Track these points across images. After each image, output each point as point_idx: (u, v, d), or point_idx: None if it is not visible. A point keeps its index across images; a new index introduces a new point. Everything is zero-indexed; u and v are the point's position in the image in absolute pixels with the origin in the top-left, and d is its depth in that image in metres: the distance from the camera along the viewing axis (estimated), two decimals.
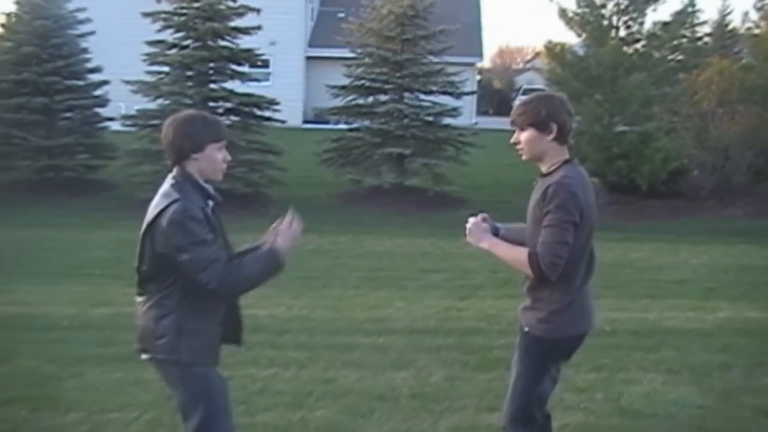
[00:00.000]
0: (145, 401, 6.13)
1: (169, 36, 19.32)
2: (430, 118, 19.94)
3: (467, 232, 4.39)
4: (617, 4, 20.18)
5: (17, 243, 14.06)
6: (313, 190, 19.47)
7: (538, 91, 4.68)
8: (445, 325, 8.99)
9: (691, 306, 10.07)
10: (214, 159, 4.08)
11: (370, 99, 20.37)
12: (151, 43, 19.27)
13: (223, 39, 19.16)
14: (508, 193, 20.03)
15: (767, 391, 6.59)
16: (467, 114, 27.36)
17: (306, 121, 32.80)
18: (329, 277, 11.65)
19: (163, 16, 19.07)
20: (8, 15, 21.75)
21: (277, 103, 19.16)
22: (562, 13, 20.33)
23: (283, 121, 19.70)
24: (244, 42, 19.38)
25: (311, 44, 36.34)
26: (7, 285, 10.56)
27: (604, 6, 20.22)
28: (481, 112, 44.28)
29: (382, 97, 20.21)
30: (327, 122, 24.33)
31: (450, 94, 20.56)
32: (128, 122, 19.38)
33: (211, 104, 19.04)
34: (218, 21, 18.86)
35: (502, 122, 37.64)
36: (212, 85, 19.12)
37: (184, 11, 18.94)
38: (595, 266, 4.35)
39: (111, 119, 20.74)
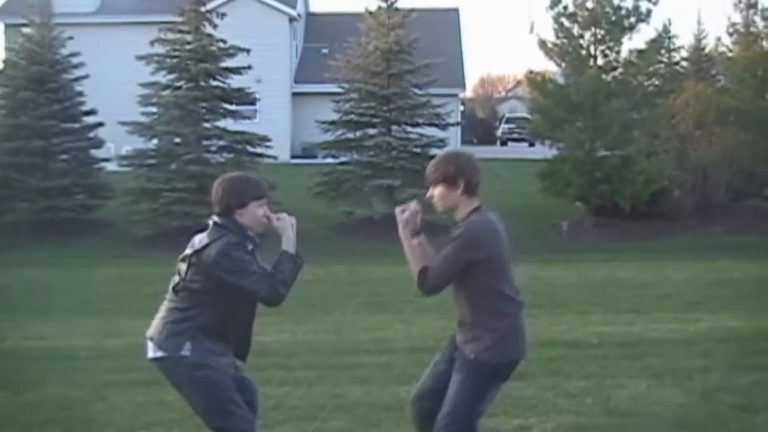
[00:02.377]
0: (169, 419, 6.57)
1: (162, 77, 19.86)
2: (418, 150, 20.50)
3: (403, 212, 4.81)
4: (594, 35, 20.78)
5: (25, 282, 14.51)
6: (307, 222, 19.82)
7: (448, 150, 5.34)
8: (442, 344, 9.37)
9: (674, 318, 10.59)
10: (255, 214, 4.74)
11: (359, 133, 20.91)
12: (145, 85, 19.80)
13: (214, 79, 19.72)
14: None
15: (743, 390, 7.09)
16: (453, 144, 27.88)
17: (294, 156, 33.27)
18: (329, 304, 12.12)
19: (156, 58, 19.62)
20: (4, 61, 22.24)
21: (269, 140, 19.74)
22: (542, 44, 20.94)
23: (275, 157, 20.25)
24: (234, 81, 19.96)
25: (297, 80, 36.87)
26: (21, 321, 10.99)
27: (581, 36, 20.83)
28: (466, 141, 44.86)
29: (371, 131, 20.77)
30: (315, 156, 24.88)
31: (436, 125, 21.14)
32: (124, 162, 19.89)
33: (205, 142, 19.61)
34: (210, 62, 19.43)
35: (487, 151, 38.33)
36: (205, 124, 19.67)
37: (177, 53, 19.52)
38: (522, 296, 4.88)
39: (106, 160, 21.24)
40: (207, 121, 19.80)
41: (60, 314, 11.74)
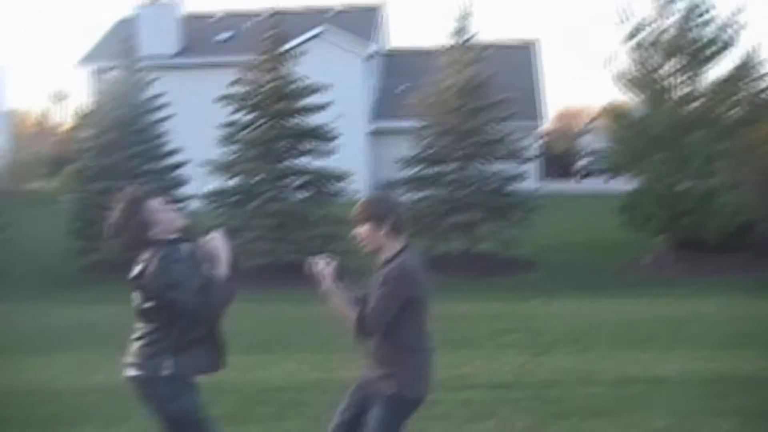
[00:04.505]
0: None
1: (242, 117, 20.19)
2: (496, 185, 20.45)
3: (318, 268, 4.89)
4: (674, 66, 20.51)
5: (116, 317, 14.76)
6: None
7: (374, 192, 5.47)
8: (522, 380, 9.41)
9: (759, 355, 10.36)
10: (163, 213, 4.91)
11: (437, 169, 20.94)
12: (225, 125, 20.15)
13: (293, 117, 19.98)
14: (576, 254, 20.43)
15: None
16: (531, 179, 27.83)
17: None
18: None
19: (237, 98, 19.98)
20: (92, 104, 22.82)
21: (348, 177, 19.87)
22: (620, 76, 20.76)
23: (357, 192, 20.34)
24: (312, 119, 20.20)
25: (375, 117, 37.21)
26: (111, 356, 11.19)
27: (660, 68, 20.58)
28: (545, 176, 44.63)
29: (448, 167, 20.78)
30: None
31: (514, 160, 21.08)
32: (207, 200, 20.23)
33: (285, 180, 19.84)
34: (288, 101, 19.71)
35: (566, 185, 38.03)
36: (285, 162, 19.91)
37: (256, 93, 19.84)
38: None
39: (191, 198, 21.62)
40: (286, 159, 20.04)
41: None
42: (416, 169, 21.06)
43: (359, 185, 29.36)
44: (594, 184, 39.05)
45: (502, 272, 19.02)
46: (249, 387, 9.47)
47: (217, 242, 4.89)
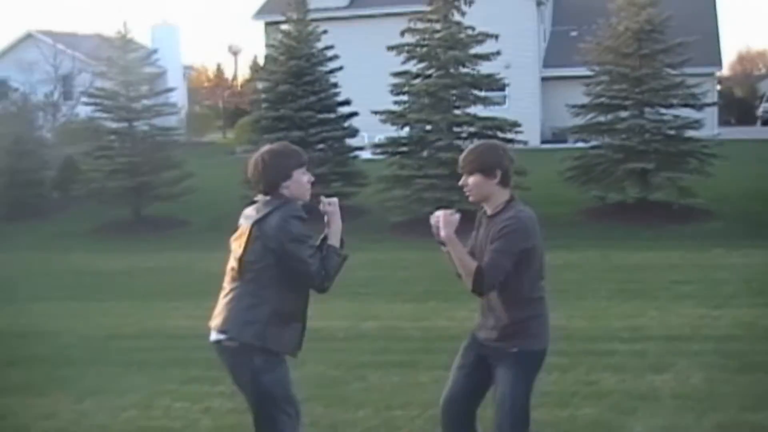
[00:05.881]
0: (424, 400, 6.74)
1: (412, 66, 20.25)
2: (672, 132, 19.83)
3: (438, 218, 4.74)
4: None
5: None
6: (558, 207, 19.76)
7: (483, 141, 5.14)
8: (700, 332, 9.19)
9: None
10: (301, 182, 4.77)
11: (610, 116, 20.47)
12: (396, 75, 20.27)
13: (464, 66, 19.90)
14: (756, 203, 19.62)
15: None
16: (709, 125, 26.83)
17: (544, 141, 33.10)
18: (581, 290, 11.97)
19: (407, 48, 20.03)
20: (265, 57, 23.38)
21: (519, 125, 19.68)
22: None
23: (525, 142, 20.18)
24: (483, 67, 20.06)
25: (545, 65, 36.64)
26: None
27: None
28: (724, 122, 42.98)
29: (622, 114, 20.27)
30: (565, 141, 24.56)
31: (691, 106, 20.35)
32: (378, 150, 20.47)
33: (456, 129, 19.84)
34: (459, 49, 19.62)
35: (746, 132, 36.60)
36: (456, 111, 19.89)
37: (426, 43, 19.84)
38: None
39: (360, 148, 21.92)
40: (457, 108, 20.01)
41: (319, 296, 12.20)
42: (589, 116, 20.64)
43: (533, 134, 29.18)
44: None
45: (679, 221, 18.48)
46: (425, 333, 9.62)
47: (333, 209, 4.82)
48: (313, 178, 4.84)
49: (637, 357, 8.18)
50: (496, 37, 19.79)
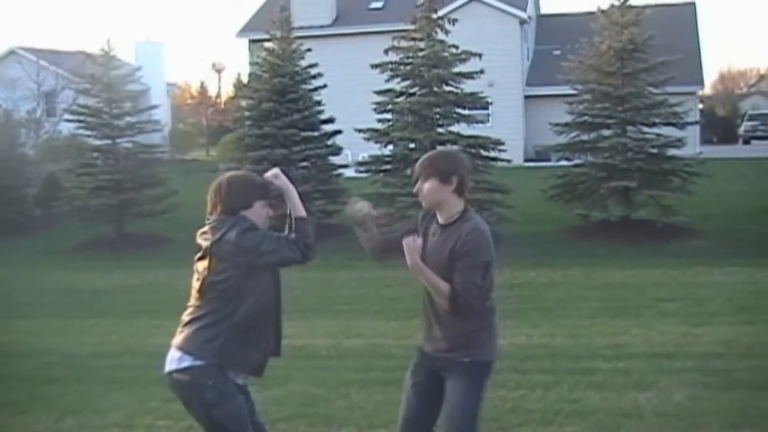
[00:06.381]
0: None
1: (396, 85, 20.28)
2: (655, 150, 19.89)
3: (407, 245, 4.63)
4: None
5: None
6: (542, 225, 19.83)
7: (442, 148, 5.12)
8: (683, 350, 9.21)
9: None
10: (260, 214, 4.69)
11: (593, 134, 20.54)
12: (380, 93, 20.30)
13: (447, 84, 19.94)
14: (739, 221, 19.74)
15: None
16: (692, 144, 27.03)
17: (528, 159, 33.22)
18: (565, 308, 12.01)
19: (390, 66, 20.06)
20: (249, 75, 23.38)
21: (502, 143, 19.70)
22: None
23: (508, 161, 20.22)
24: (466, 86, 20.11)
25: (529, 83, 36.79)
26: None
27: None
28: (706, 141, 43.25)
29: (605, 132, 20.34)
30: (549, 159, 24.68)
31: (673, 125, 20.46)
32: (361, 168, 20.46)
33: (439, 147, 19.85)
34: (443, 68, 19.65)
35: (728, 150, 36.84)
36: (439, 129, 19.91)
37: (410, 61, 19.87)
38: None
39: (344, 166, 21.92)
40: (441, 126, 20.02)
41: (302, 314, 12.18)
42: (572, 135, 20.71)
43: (516, 152, 29.25)
44: (759, 149, 37.61)
45: (663, 239, 18.54)
46: (409, 351, 9.58)
47: (280, 180, 4.71)
48: (272, 213, 4.76)
49: (621, 375, 8.19)
50: (480, 55, 19.85)
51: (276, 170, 4.75)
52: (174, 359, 4.62)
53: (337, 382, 8.24)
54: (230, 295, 4.55)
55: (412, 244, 4.60)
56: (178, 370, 4.59)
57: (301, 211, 4.69)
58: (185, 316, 4.70)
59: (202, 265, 4.63)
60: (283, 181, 4.71)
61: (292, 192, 4.71)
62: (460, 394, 4.65)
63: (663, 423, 6.71)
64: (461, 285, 4.53)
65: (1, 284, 16.53)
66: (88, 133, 23.38)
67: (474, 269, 4.55)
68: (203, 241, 4.64)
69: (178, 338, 4.66)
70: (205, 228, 4.67)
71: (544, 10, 42.96)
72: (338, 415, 7.22)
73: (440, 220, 4.76)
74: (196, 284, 4.64)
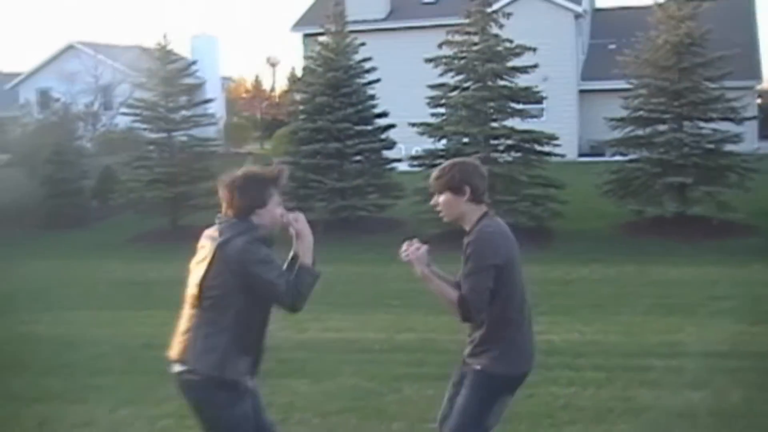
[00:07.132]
0: None
1: (450, 79, 20.25)
2: (711, 146, 19.63)
3: (409, 253, 4.62)
4: None
5: (324, 277, 15.28)
6: (596, 221, 19.67)
7: (453, 159, 4.98)
8: (738, 349, 9.09)
9: None
10: (274, 214, 4.57)
11: (648, 130, 20.32)
12: (433, 87, 20.28)
13: (501, 79, 19.87)
14: None
15: None
16: (749, 139, 26.58)
17: (582, 154, 32.94)
18: (618, 305, 11.90)
19: (444, 60, 20.04)
20: (303, 69, 23.47)
21: (556, 138, 19.60)
22: None
23: (562, 155, 20.09)
24: (521, 80, 20.01)
25: (584, 78, 36.46)
26: (320, 314, 11.53)
27: None
28: (764, 136, 42.47)
29: (661, 127, 20.13)
30: (603, 154, 24.43)
31: (731, 120, 20.17)
32: (414, 162, 20.46)
33: (493, 142, 19.83)
34: (497, 62, 19.59)
35: None
36: (493, 124, 19.85)
37: (464, 55, 19.84)
38: (528, 304, 4.71)
39: (397, 160, 21.94)
40: (495, 120, 19.96)
41: (355, 308, 12.27)
42: (627, 130, 20.51)
43: (570, 147, 29.04)
44: None
45: (718, 236, 18.28)
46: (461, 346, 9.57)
47: (301, 225, 4.58)
48: (285, 212, 4.64)
49: (674, 373, 8.11)
50: (534, 49, 19.76)
51: (299, 215, 4.64)
52: (178, 368, 4.60)
53: (389, 376, 8.26)
54: (227, 305, 4.46)
55: (416, 252, 4.61)
56: (187, 372, 4.55)
57: (309, 260, 4.56)
58: (181, 326, 4.64)
59: (199, 268, 4.55)
60: (304, 226, 4.59)
61: (309, 239, 4.58)
62: (463, 399, 4.68)
63: (717, 423, 6.64)
64: (467, 291, 4.51)
65: (57, 275, 16.78)
66: (144, 126, 23.71)
67: (478, 274, 4.50)
68: (207, 241, 4.58)
69: (175, 350, 4.63)
70: (212, 230, 4.61)
71: (599, 4, 42.56)
72: (390, 410, 7.24)
73: (466, 229, 4.74)
74: (193, 290, 4.57)
